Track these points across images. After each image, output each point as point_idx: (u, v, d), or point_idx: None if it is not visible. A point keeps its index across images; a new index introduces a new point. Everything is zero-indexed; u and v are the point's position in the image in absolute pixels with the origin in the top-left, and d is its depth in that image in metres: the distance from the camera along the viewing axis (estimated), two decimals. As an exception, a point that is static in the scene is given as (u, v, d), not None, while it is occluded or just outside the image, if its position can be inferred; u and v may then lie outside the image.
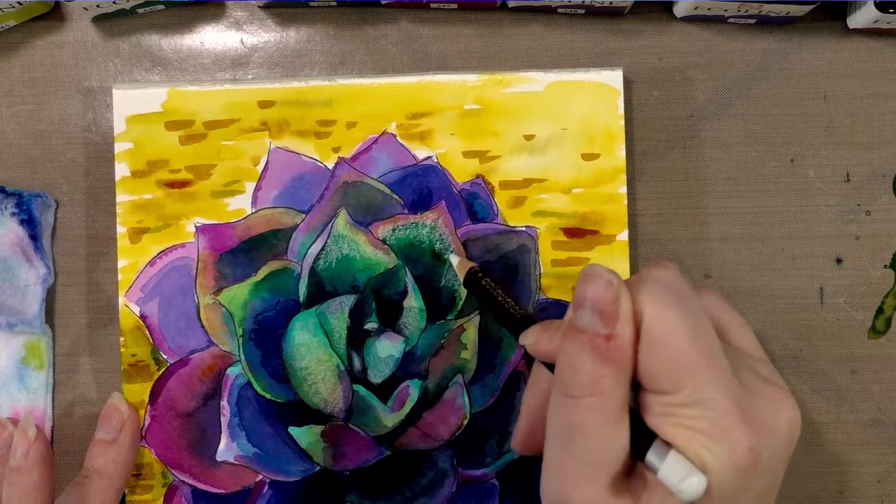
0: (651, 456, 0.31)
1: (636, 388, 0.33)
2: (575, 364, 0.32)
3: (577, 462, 0.32)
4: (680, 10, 0.47)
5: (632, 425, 0.32)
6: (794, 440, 0.33)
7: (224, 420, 0.45)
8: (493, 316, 0.40)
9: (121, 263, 0.46)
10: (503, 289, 0.40)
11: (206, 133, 0.46)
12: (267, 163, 0.46)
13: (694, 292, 0.33)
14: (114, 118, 0.46)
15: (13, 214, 0.46)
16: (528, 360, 0.45)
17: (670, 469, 0.31)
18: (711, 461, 0.31)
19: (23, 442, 0.42)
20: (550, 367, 0.35)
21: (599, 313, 0.32)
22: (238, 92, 0.46)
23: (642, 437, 0.32)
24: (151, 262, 0.46)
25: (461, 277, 0.42)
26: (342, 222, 0.46)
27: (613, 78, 0.46)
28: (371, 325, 0.45)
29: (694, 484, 0.30)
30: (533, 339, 0.36)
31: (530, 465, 0.45)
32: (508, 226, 0.46)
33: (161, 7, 0.47)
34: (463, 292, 0.45)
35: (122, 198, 0.46)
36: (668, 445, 0.31)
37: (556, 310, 0.46)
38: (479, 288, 0.40)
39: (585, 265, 0.33)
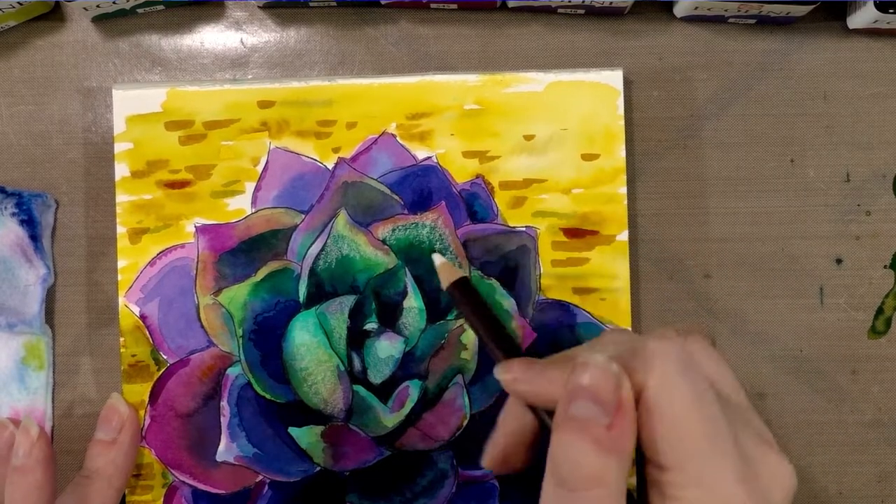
0: None
1: (639, 459, 0.32)
2: (575, 457, 0.30)
3: None
4: (680, 10, 0.47)
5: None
6: None
7: (224, 420, 0.45)
8: (477, 332, 0.38)
9: (121, 264, 0.46)
10: (490, 310, 0.38)
11: (205, 133, 0.46)
12: (267, 163, 0.46)
13: (692, 360, 0.32)
14: (114, 118, 0.46)
15: (13, 214, 0.46)
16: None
17: None
18: None
19: (25, 441, 0.42)
20: (531, 408, 0.34)
21: (600, 402, 0.30)
22: (238, 92, 0.46)
23: None
24: (151, 263, 0.46)
25: (444, 282, 0.38)
26: (342, 222, 0.46)
27: (613, 78, 0.46)
28: (371, 326, 0.45)
29: None
30: (513, 375, 0.34)
31: (530, 466, 0.45)
32: (508, 226, 0.46)
33: (161, 7, 0.47)
34: (463, 292, 0.45)
35: (121, 198, 0.46)
36: None
37: (556, 310, 0.46)
38: (468, 300, 0.38)
39: (579, 355, 0.32)
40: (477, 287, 0.39)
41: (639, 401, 0.31)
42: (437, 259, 0.39)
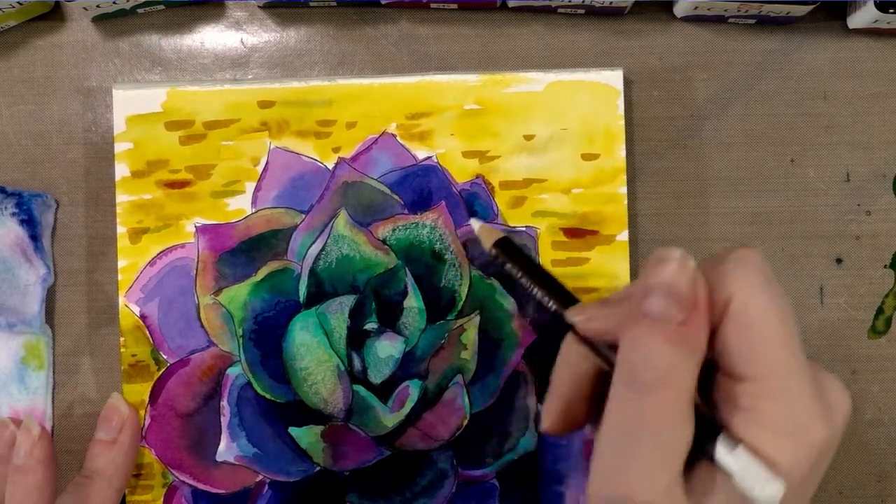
0: (726, 458, 0.29)
1: (707, 372, 0.31)
2: (647, 354, 0.29)
3: (643, 459, 0.29)
4: (680, 10, 0.47)
5: (698, 418, 0.30)
6: (843, 430, 0.31)
7: (224, 420, 0.45)
8: (527, 288, 0.37)
9: (121, 263, 0.46)
10: (535, 262, 0.37)
11: (206, 133, 0.46)
12: (267, 163, 0.46)
13: (773, 272, 0.31)
14: (114, 118, 0.46)
15: (13, 214, 0.46)
16: (531, 360, 0.45)
17: (746, 474, 0.29)
18: (787, 462, 0.29)
19: (26, 441, 0.42)
20: (595, 349, 0.33)
21: (675, 298, 0.29)
22: (238, 92, 0.46)
23: (710, 433, 0.30)
24: (151, 263, 0.46)
25: (487, 245, 0.38)
26: (342, 222, 0.46)
27: (613, 78, 0.46)
28: (371, 326, 0.45)
29: (771, 492, 0.28)
30: (587, 315, 0.33)
31: (530, 466, 0.45)
32: (508, 226, 0.46)
33: (161, 7, 0.47)
34: (463, 292, 0.45)
35: (122, 198, 0.46)
36: (737, 445, 0.29)
37: (556, 310, 0.46)
38: (513, 257, 0.38)
39: (656, 250, 0.31)
40: (515, 249, 0.38)
41: (721, 308, 0.30)
42: (476, 223, 0.40)
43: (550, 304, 0.35)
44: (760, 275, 0.30)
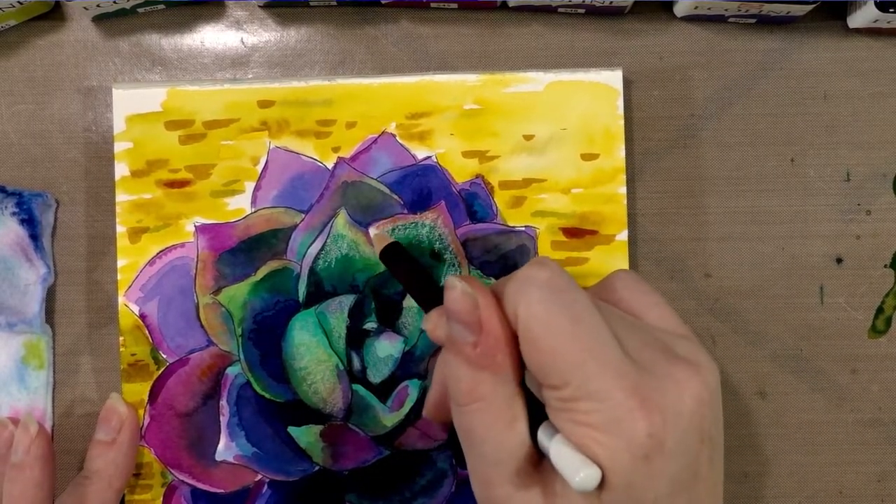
0: (546, 446, 0.32)
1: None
2: (453, 373, 0.33)
3: (481, 463, 0.33)
4: (680, 9, 0.47)
5: (536, 418, 0.33)
6: (704, 417, 0.32)
7: (223, 420, 0.45)
8: (411, 294, 0.40)
9: (120, 263, 0.46)
10: (420, 270, 0.40)
11: (205, 133, 0.46)
12: (266, 162, 0.46)
13: (571, 286, 0.33)
14: (114, 118, 0.46)
15: (13, 214, 0.46)
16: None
17: (563, 463, 0.31)
18: (606, 455, 0.30)
19: (24, 438, 0.42)
20: None
21: (462, 323, 0.33)
22: (238, 92, 0.46)
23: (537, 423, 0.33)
24: (151, 262, 0.46)
25: (377, 250, 0.42)
26: (342, 222, 0.46)
27: (613, 78, 0.46)
28: (370, 325, 0.45)
29: (586, 477, 0.30)
30: (432, 324, 0.36)
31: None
32: (508, 226, 0.46)
33: (161, 6, 0.47)
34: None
35: (121, 197, 0.46)
36: (555, 434, 0.32)
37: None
38: (397, 264, 0.41)
39: (448, 278, 0.34)
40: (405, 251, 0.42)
41: (517, 326, 0.33)
42: (372, 231, 0.44)
43: (422, 307, 0.39)
44: (541, 290, 0.32)
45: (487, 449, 0.33)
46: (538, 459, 0.33)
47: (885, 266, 0.47)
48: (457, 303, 0.33)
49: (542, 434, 0.32)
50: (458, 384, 0.33)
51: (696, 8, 0.46)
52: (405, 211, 0.46)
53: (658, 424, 0.31)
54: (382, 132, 0.46)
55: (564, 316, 0.32)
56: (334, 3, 0.47)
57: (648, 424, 0.30)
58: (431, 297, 0.38)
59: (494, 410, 0.33)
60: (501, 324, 0.33)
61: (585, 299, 0.33)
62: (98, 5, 0.46)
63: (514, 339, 0.33)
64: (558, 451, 0.31)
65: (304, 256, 0.46)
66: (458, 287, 0.33)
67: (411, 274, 0.40)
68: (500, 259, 0.46)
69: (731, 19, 0.47)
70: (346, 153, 0.46)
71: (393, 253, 0.41)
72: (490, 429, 0.33)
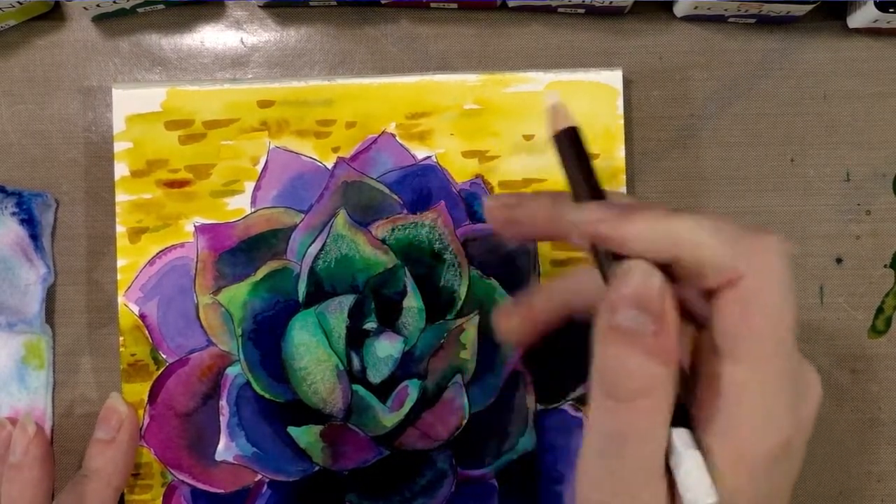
0: (677, 456, 0.30)
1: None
2: (624, 367, 0.30)
3: (629, 468, 0.30)
4: (680, 9, 0.47)
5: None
6: (813, 425, 0.32)
7: (223, 420, 0.45)
8: (572, 186, 0.35)
9: (120, 263, 0.46)
10: (590, 167, 0.35)
11: (205, 133, 0.46)
12: (266, 162, 0.46)
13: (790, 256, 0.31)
14: (113, 118, 0.46)
15: (13, 214, 0.46)
16: (530, 360, 0.45)
17: (689, 478, 0.29)
18: (753, 450, 0.29)
19: (22, 439, 0.42)
20: (598, 259, 0.33)
21: (645, 311, 0.30)
22: (238, 92, 0.46)
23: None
24: (151, 262, 0.46)
25: (551, 129, 0.35)
26: (341, 222, 0.46)
27: (613, 78, 0.46)
28: (370, 325, 0.45)
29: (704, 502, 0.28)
30: (505, 318, 0.34)
31: (529, 466, 0.45)
32: (508, 225, 0.46)
33: (161, 6, 0.47)
34: (462, 292, 0.45)
35: (121, 197, 0.46)
36: (692, 447, 0.30)
37: (556, 310, 0.45)
38: (569, 150, 0.35)
39: (623, 262, 0.31)
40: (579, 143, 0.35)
41: (725, 278, 0.30)
42: (551, 98, 0.35)
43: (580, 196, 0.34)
44: (785, 269, 0.30)
45: (645, 451, 0.30)
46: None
47: (885, 266, 0.47)
48: (640, 287, 0.30)
49: (677, 439, 0.30)
50: (629, 379, 0.29)
51: (695, 8, 0.46)
52: (405, 211, 0.46)
53: (794, 431, 0.30)
54: (382, 132, 0.46)
55: (789, 304, 0.30)
56: (334, 3, 0.47)
57: (790, 428, 0.30)
58: (594, 195, 0.34)
59: (662, 408, 0.30)
60: (678, 310, 0.30)
61: (794, 291, 0.31)
62: (98, 5, 0.46)
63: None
64: (689, 469, 0.29)
65: (303, 256, 0.46)
66: (641, 268, 0.30)
67: (580, 167, 0.35)
68: (500, 259, 0.46)
69: (730, 19, 0.47)
70: (346, 153, 0.46)
71: (569, 139, 0.35)
72: (652, 425, 0.30)
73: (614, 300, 0.30)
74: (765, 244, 0.30)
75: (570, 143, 0.35)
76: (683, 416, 0.30)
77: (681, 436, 0.30)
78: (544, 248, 0.46)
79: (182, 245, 0.46)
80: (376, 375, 0.45)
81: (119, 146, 0.46)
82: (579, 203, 0.34)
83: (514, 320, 0.34)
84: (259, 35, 0.48)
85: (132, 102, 0.46)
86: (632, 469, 0.30)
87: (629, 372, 0.30)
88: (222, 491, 0.45)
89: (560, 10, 0.47)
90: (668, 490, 0.30)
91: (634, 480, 0.30)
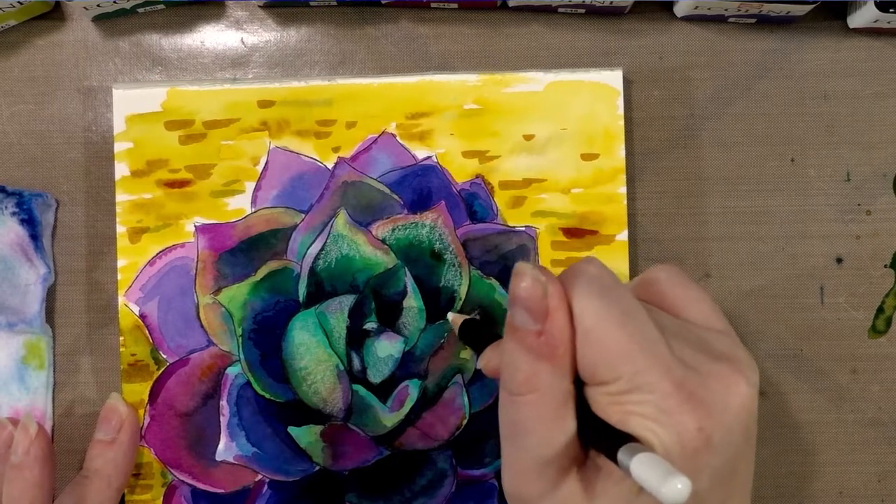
0: (622, 456, 0.30)
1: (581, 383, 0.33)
2: (512, 362, 0.32)
3: (524, 457, 0.32)
4: (680, 9, 0.47)
5: (584, 418, 0.32)
6: (750, 414, 0.32)
7: (223, 420, 0.45)
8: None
9: (120, 263, 0.46)
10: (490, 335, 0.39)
11: (205, 133, 0.46)
12: (267, 162, 0.46)
13: (619, 283, 0.33)
14: (113, 118, 0.46)
15: (13, 214, 0.46)
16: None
17: (647, 471, 0.29)
18: (658, 443, 0.31)
19: (24, 439, 0.42)
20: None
21: (529, 310, 0.32)
22: (238, 92, 0.46)
23: (601, 432, 0.32)
24: (151, 262, 0.46)
25: (454, 329, 0.42)
26: (342, 222, 0.46)
27: (613, 78, 0.46)
28: (370, 325, 0.45)
29: (678, 489, 0.28)
30: (486, 359, 0.37)
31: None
32: (508, 226, 0.46)
33: (161, 6, 0.47)
34: (463, 292, 0.45)
35: (121, 197, 0.46)
36: (638, 446, 0.30)
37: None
38: (472, 337, 0.41)
39: (516, 264, 0.33)
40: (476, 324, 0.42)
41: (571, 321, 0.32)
42: (451, 316, 0.44)
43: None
44: (593, 284, 0.32)
45: (532, 441, 0.32)
46: (582, 460, 0.33)
47: (885, 266, 0.47)
48: (527, 289, 0.32)
49: (622, 452, 0.30)
50: (515, 373, 0.32)
51: (696, 8, 0.46)
52: (405, 211, 0.46)
53: (706, 418, 0.31)
54: (382, 132, 0.46)
55: (615, 309, 0.32)
56: (334, 3, 0.47)
57: (697, 418, 0.31)
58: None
59: (548, 403, 0.32)
60: (567, 316, 0.32)
61: (631, 296, 0.33)
62: (98, 5, 0.46)
63: (573, 335, 0.33)
64: (642, 460, 0.29)
65: (304, 256, 0.46)
66: (528, 273, 0.32)
67: (481, 342, 0.39)
68: (500, 259, 0.46)
69: (731, 19, 0.47)
70: (347, 153, 0.46)
71: (471, 328, 0.41)
72: (540, 421, 0.32)
73: (510, 299, 0.33)
74: (578, 272, 0.33)
75: (471, 330, 0.41)
76: (582, 408, 0.32)
77: (625, 451, 0.30)
78: (544, 248, 0.46)
79: (182, 245, 0.46)
80: (376, 375, 0.45)
81: (119, 146, 0.46)
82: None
83: (495, 362, 0.36)
84: (259, 35, 0.48)
85: (132, 102, 0.46)
86: (528, 459, 0.32)
87: (517, 369, 0.32)
88: (222, 491, 0.45)
89: (560, 10, 0.47)
90: (571, 481, 0.32)
91: (532, 470, 0.32)
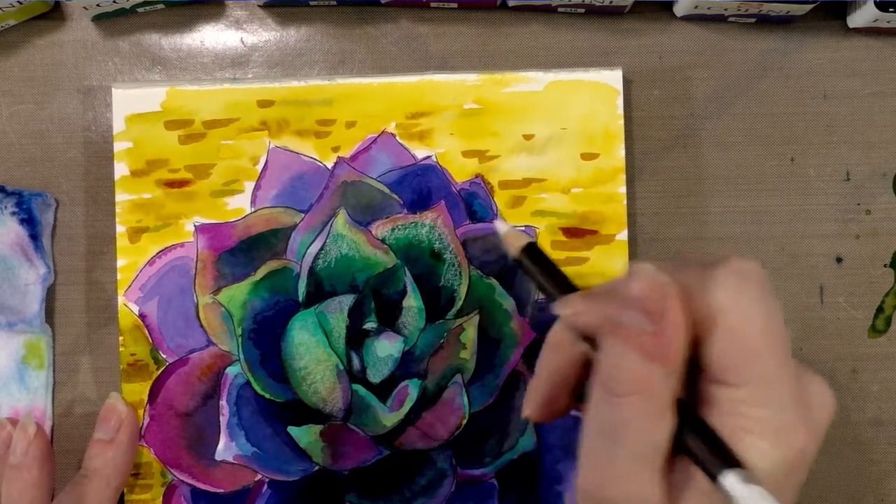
0: (728, 480, 0.30)
1: (693, 376, 0.32)
2: (620, 362, 0.31)
3: (622, 458, 0.31)
4: (680, 9, 0.47)
5: (686, 423, 0.31)
6: (826, 432, 0.32)
7: (223, 419, 0.45)
8: (541, 289, 0.36)
9: (120, 263, 0.46)
10: (553, 266, 0.36)
11: (205, 132, 0.46)
12: (266, 162, 0.46)
13: (768, 281, 0.32)
14: (113, 118, 0.46)
15: (13, 214, 0.46)
16: (530, 360, 0.45)
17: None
18: (765, 466, 0.30)
19: (22, 439, 0.42)
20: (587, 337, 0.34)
21: (646, 311, 0.31)
22: (237, 91, 0.46)
23: (706, 444, 0.31)
24: (150, 262, 0.46)
25: (511, 250, 0.37)
26: (341, 222, 0.46)
27: (613, 78, 0.46)
28: (370, 325, 0.45)
29: None
30: (574, 309, 0.34)
31: (529, 465, 0.45)
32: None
33: (161, 6, 0.47)
34: (462, 291, 0.45)
35: (121, 197, 0.46)
36: (747, 473, 0.30)
37: (556, 309, 0.45)
38: (534, 263, 0.37)
39: (632, 264, 0.32)
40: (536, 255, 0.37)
41: (711, 313, 0.31)
42: (502, 227, 0.37)
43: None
44: (752, 287, 0.31)
45: (632, 441, 0.31)
46: (671, 461, 0.32)
47: (885, 266, 0.47)
48: (643, 290, 0.31)
49: (727, 476, 0.30)
50: (622, 372, 0.31)
51: (696, 7, 0.46)
52: (405, 211, 0.46)
53: (808, 436, 0.30)
54: (382, 132, 0.46)
55: (774, 320, 0.31)
56: (334, 3, 0.47)
57: (803, 436, 0.30)
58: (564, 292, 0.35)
59: (654, 403, 0.31)
60: (683, 315, 0.31)
61: (778, 303, 0.32)
62: (98, 5, 0.46)
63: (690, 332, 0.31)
64: (750, 492, 0.29)
65: (303, 256, 0.46)
66: (648, 274, 0.31)
67: (550, 275, 0.36)
68: (499, 259, 0.46)
69: (730, 19, 0.47)
70: (346, 153, 0.46)
71: (531, 253, 0.37)
72: (643, 421, 0.31)
73: (621, 299, 0.31)
74: (738, 270, 0.31)
75: (535, 257, 0.37)
76: (686, 412, 0.31)
77: (731, 478, 0.30)
78: (544, 248, 0.46)
79: (182, 245, 0.46)
80: (376, 375, 0.45)
81: (119, 146, 0.46)
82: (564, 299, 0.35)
83: (587, 318, 0.34)
84: (259, 35, 0.48)
85: (132, 102, 0.46)
86: (624, 459, 0.31)
87: (626, 369, 0.31)
88: (222, 491, 0.45)
89: (560, 9, 0.47)
90: (662, 484, 0.31)
91: (626, 471, 0.31)
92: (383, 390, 0.45)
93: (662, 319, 0.30)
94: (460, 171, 0.46)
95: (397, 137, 0.46)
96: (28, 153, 0.47)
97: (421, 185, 0.46)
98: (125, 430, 0.44)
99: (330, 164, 0.46)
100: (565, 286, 0.35)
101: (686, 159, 0.47)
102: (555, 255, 0.46)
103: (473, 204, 0.46)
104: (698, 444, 0.31)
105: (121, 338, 0.46)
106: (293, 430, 0.45)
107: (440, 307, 0.45)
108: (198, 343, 0.45)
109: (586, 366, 0.35)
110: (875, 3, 0.44)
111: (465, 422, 0.45)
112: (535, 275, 0.36)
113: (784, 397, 0.30)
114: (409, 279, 0.45)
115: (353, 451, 0.45)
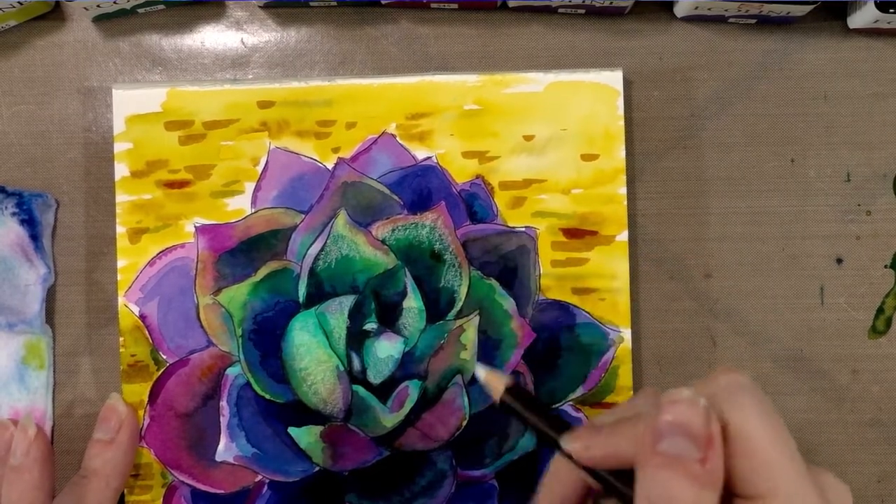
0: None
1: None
2: (672, 493, 0.30)
3: None
4: (680, 10, 0.47)
5: None
6: None
7: (223, 420, 0.45)
8: (531, 428, 0.37)
9: (120, 263, 0.46)
10: (538, 402, 0.38)
11: (205, 133, 0.46)
12: (266, 163, 0.46)
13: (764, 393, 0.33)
14: (113, 118, 0.46)
15: (13, 214, 0.46)
16: (530, 360, 0.45)
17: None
18: None
19: (23, 441, 0.42)
20: (593, 473, 0.34)
21: (692, 437, 0.30)
22: (238, 92, 0.46)
23: None
24: (151, 263, 0.46)
25: (494, 394, 0.37)
26: (342, 223, 0.46)
27: (613, 78, 0.46)
28: (370, 326, 0.45)
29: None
30: (583, 444, 0.34)
31: (530, 466, 0.45)
32: (508, 226, 0.46)
33: (161, 7, 0.47)
34: (462, 292, 0.45)
35: (121, 198, 0.46)
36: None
37: (555, 310, 0.45)
38: (517, 405, 0.37)
39: (667, 392, 0.31)
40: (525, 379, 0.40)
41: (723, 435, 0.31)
42: (481, 372, 0.38)
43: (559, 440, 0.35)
44: (756, 401, 0.31)
45: None
46: None
47: (885, 266, 0.47)
48: (688, 416, 0.30)
49: None
50: (675, 502, 0.30)
51: (696, 8, 0.46)
52: (405, 211, 0.46)
53: None
54: (382, 133, 0.46)
55: (777, 430, 0.31)
56: (334, 4, 0.47)
57: None
58: (558, 428, 0.35)
59: None
60: (721, 438, 0.31)
61: (779, 413, 0.32)
62: (98, 5, 0.46)
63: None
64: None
65: (304, 257, 0.46)
66: (689, 399, 0.31)
67: (535, 411, 0.37)
68: (500, 259, 0.46)
69: (731, 19, 0.47)
70: (346, 154, 0.46)
71: (515, 393, 0.37)
72: None
73: (661, 427, 0.31)
74: (740, 385, 0.32)
75: (518, 396, 0.37)
76: None
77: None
78: (544, 249, 0.46)
79: (182, 245, 0.46)
80: (376, 376, 0.45)
81: (119, 146, 0.46)
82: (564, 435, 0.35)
83: (601, 451, 0.34)
84: (259, 35, 0.48)
85: (132, 103, 0.46)
86: None
87: (679, 497, 0.30)
88: (222, 491, 0.45)
89: (560, 10, 0.47)
90: None
91: None
92: (384, 391, 0.45)
93: (710, 444, 0.30)
94: (461, 172, 0.46)
95: (398, 138, 0.46)
96: (28, 154, 0.47)
97: (421, 186, 0.46)
98: (125, 431, 0.44)
99: (330, 165, 0.46)
100: (555, 421, 0.36)
101: (686, 160, 0.47)
102: (555, 255, 0.46)
103: (474, 205, 0.46)
104: None
105: (121, 338, 0.46)
106: (293, 431, 0.45)
107: (440, 308, 0.45)
108: (198, 344, 0.45)
109: (587, 497, 0.35)
110: (875, 3, 0.44)
111: (465, 423, 0.45)
112: (523, 413, 0.37)
113: (808, 502, 0.30)
114: (409, 280, 0.45)
115: (353, 452, 0.45)
